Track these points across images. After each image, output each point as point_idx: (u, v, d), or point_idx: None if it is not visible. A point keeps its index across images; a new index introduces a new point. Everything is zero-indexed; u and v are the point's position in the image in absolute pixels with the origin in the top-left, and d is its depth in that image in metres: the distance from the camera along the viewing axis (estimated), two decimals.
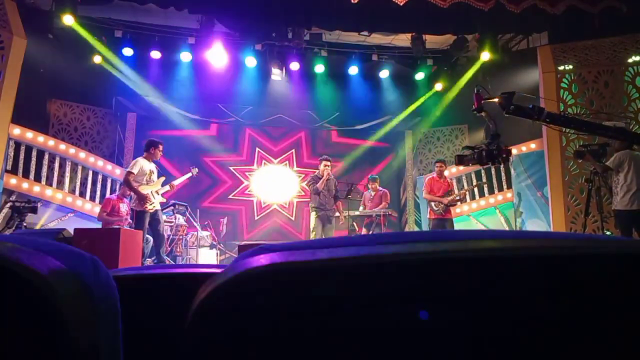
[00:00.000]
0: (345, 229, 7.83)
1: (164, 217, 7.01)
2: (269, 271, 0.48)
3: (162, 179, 6.66)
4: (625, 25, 7.40)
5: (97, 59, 8.96)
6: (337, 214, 7.37)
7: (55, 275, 0.51)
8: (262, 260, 0.49)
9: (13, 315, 0.49)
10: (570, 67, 7.81)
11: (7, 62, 6.69)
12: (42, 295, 0.48)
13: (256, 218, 10.58)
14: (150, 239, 6.77)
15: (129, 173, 6.35)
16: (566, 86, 7.77)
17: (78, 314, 0.51)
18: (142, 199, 6.25)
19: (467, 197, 9.19)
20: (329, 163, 7.24)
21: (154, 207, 6.37)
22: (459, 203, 8.51)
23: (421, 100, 10.49)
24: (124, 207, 7.49)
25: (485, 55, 8.56)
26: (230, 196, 10.51)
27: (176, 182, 7.01)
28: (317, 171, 7.34)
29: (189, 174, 7.37)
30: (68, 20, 7.48)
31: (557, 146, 7.63)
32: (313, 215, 7.16)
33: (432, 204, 7.60)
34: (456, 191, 8.03)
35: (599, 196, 6.05)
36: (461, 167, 9.69)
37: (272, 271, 0.48)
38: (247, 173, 10.72)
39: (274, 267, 0.48)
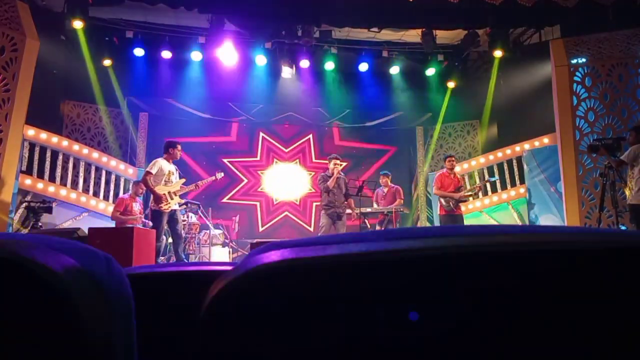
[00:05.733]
0: (357, 226, 7.83)
1: (181, 217, 7.10)
2: (280, 267, 0.48)
3: (182, 180, 6.75)
4: (639, 17, 7.28)
5: (108, 60, 9.04)
6: (348, 210, 7.37)
7: (69, 273, 0.52)
8: (273, 256, 0.49)
9: (28, 313, 0.49)
10: (584, 60, 7.71)
11: (20, 64, 6.76)
12: (56, 292, 0.49)
13: (268, 216, 10.61)
14: (164, 237, 6.85)
15: (148, 173, 6.48)
16: (579, 80, 7.67)
17: (92, 312, 0.52)
18: (158, 198, 6.36)
19: (480, 193, 9.12)
20: (338, 161, 7.24)
21: (169, 207, 6.47)
22: (470, 199, 8.46)
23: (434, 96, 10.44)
24: (136, 207, 7.56)
25: (498, 53, 8.49)
26: (241, 194, 10.54)
27: (201, 183, 7.08)
28: (327, 170, 7.33)
29: (213, 178, 7.40)
30: (77, 24, 7.58)
31: (570, 140, 7.54)
32: (322, 212, 7.18)
33: (442, 199, 7.56)
34: (468, 187, 7.97)
35: (613, 191, 5.97)
36: (482, 160, 9.68)
37: (283, 267, 0.48)
38: (258, 171, 10.74)
39: (284, 263, 0.48)
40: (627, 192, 5.83)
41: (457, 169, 7.97)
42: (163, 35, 8.97)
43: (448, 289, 0.47)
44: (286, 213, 10.70)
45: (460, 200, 7.56)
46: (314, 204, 10.58)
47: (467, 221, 8.24)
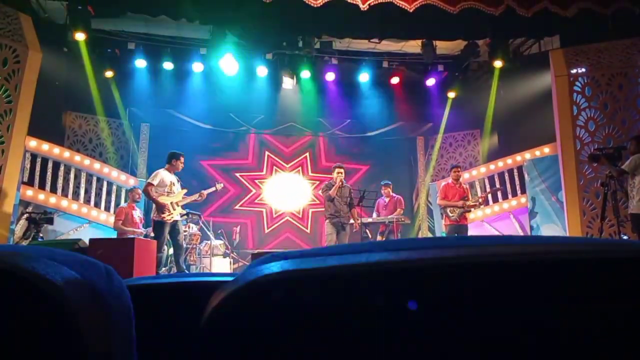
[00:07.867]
0: (358, 236, 7.80)
1: (182, 228, 7.09)
2: (281, 278, 0.48)
3: (184, 191, 6.75)
4: (638, 27, 7.31)
5: (110, 72, 9.08)
6: (351, 221, 7.34)
7: (69, 285, 0.52)
8: (274, 267, 0.49)
9: (28, 324, 0.49)
10: (583, 70, 7.73)
11: (23, 76, 6.79)
12: (56, 304, 0.49)
13: (269, 226, 10.59)
14: (166, 248, 6.84)
15: (149, 184, 6.50)
16: (579, 90, 7.68)
17: (92, 323, 0.52)
18: (161, 209, 6.35)
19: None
20: (341, 170, 7.24)
21: (172, 217, 6.46)
22: (473, 209, 8.43)
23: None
24: (136, 214, 7.58)
25: (498, 63, 8.51)
26: (242, 205, 10.54)
27: (205, 192, 7.04)
28: (332, 179, 7.32)
29: (213, 188, 7.38)
30: (80, 36, 7.60)
31: (571, 150, 7.54)
32: (327, 222, 7.15)
33: (447, 210, 7.53)
34: (471, 197, 7.94)
35: (615, 200, 5.97)
36: (483, 170, 9.69)
37: (284, 278, 0.48)
38: (259, 181, 10.75)
39: (285, 275, 0.48)
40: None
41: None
42: (164, 47, 9.03)
43: (449, 300, 0.47)
44: (287, 223, 10.69)
45: (464, 210, 7.53)
46: (315, 213, 10.56)
47: (469, 231, 8.21)
